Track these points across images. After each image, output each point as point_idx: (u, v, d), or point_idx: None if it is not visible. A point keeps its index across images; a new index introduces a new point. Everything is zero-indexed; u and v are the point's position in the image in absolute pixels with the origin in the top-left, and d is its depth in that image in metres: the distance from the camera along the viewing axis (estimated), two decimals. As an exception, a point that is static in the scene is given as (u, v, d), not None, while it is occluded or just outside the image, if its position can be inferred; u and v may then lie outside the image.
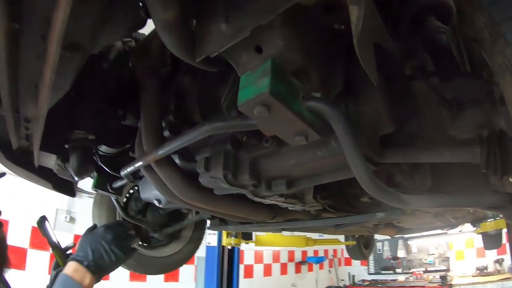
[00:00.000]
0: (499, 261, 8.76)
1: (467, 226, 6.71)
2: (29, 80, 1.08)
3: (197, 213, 2.72)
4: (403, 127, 1.11)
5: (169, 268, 3.16)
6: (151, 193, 1.84)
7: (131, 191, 2.90)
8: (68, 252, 2.19)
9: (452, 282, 8.73)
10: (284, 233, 7.08)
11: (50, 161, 1.81)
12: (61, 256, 2.12)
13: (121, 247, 1.84)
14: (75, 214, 5.85)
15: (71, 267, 1.72)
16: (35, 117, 1.25)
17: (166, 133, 1.39)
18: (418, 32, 1.20)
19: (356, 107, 1.08)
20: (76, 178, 1.78)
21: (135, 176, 1.95)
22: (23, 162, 1.76)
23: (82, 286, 1.65)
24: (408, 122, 1.20)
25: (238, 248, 5.79)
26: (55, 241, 2.16)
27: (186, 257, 3.28)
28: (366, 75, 0.90)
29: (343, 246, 11.29)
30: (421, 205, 1.11)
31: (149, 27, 1.27)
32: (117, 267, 1.89)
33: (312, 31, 0.94)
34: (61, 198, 5.65)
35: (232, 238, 5.04)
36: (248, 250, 8.19)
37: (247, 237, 5.38)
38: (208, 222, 2.99)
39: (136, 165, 1.44)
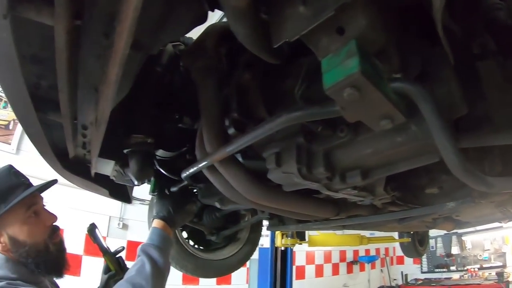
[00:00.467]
0: None
1: None
2: (89, 83, 1.06)
3: (255, 215, 2.70)
4: (470, 110, 1.03)
5: (226, 270, 3.12)
6: (211, 196, 1.81)
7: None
8: (118, 256, 2.28)
9: (509, 279, 8.27)
10: (337, 232, 7.04)
11: (107, 167, 1.80)
12: (111, 260, 2.23)
13: (186, 209, 2.09)
14: (128, 220, 6.00)
15: (158, 222, 1.97)
16: (93, 123, 1.23)
17: (231, 131, 1.34)
18: (474, 11, 1.12)
19: (432, 89, 1.01)
20: (136, 183, 1.76)
21: (193, 179, 1.94)
22: (80, 171, 1.78)
23: (168, 234, 1.94)
24: (475, 104, 1.12)
25: (291, 249, 5.72)
26: (105, 247, 2.24)
27: (243, 259, 3.23)
28: (440, 56, 0.87)
29: (395, 244, 11.15)
30: (507, 187, 1.03)
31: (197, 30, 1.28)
32: (185, 222, 2.23)
33: (392, 10, 0.88)
34: (114, 206, 5.83)
35: (289, 238, 4.96)
36: (299, 251, 8.09)
37: (301, 237, 5.31)
38: (265, 222, 2.98)
39: (200, 165, 1.40)
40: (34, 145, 1.50)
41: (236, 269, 3.23)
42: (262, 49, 1.03)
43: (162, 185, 2.09)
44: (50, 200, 1.99)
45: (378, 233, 6.68)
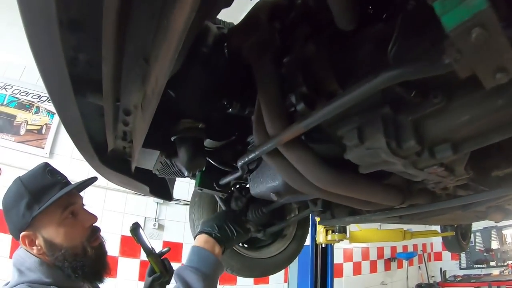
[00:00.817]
0: None
1: None
2: (138, 52, 0.89)
3: (303, 209, 2.55)
4: None
5: (273, 269, 2.95)
6: (265, 186, 1.64)
7: (229, 191, 2.74)
8: (163, 257, 2.16)
9: (552, 274, 8.00)
10: (378, 227, 6.87)
11: (150, 159, 1.65)
12: (156, 262, 2.11)
13: (241, 226, 1.98)
14: (163, 221, 5.97)
15: (201, 239, 1.81)
16: (137, 106, 1.08)
17: (300, 106, 1.17)
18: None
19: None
20: (186, 174, 1.60)
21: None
22: (118, 167, 1.61)
23: (213, 254, 1.74)
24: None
25: (332, 246, 5.54)
26: (150, 247, 2.13)
27: (291, 256, 3.05)
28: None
29: (433, 240, 11.04)
30: None
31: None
32: (239, 241, 2.10)
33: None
34: (149, 207, 5.84)
35: (336, 234, 4.71)
36: (337, 248, 7.92)
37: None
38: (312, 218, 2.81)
39: (265, 147, 1.23)
40: (70, 135, 1.31)
41: (283, 268, 3.06)
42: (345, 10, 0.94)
43: (209, 178, 1.93)
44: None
45: (420, 228, 6.51)
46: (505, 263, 9.81)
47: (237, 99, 1.62)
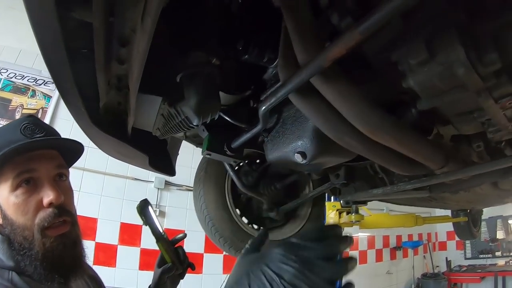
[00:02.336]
0: None
1: None
2: None
3: (317, 186, 2.30)
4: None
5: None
6: (288, 147, 1.38)
7: (237, 167, 2.48)
8: (177, 245, 1.77)
9: (559, 264, 7.92)
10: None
11: (148, 116, 1.37)
12: (167, 249, 1.72)
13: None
14: (164, 207, 5.79)
15: None
16: (136, 28, 0.83)
17: (346, 21, 0.91)
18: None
19: None
20: (195, 121, 1.25)
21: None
22: (112, 129, 1.34)
23: None
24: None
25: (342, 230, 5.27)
26: (161, 231, 1.74)
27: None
28: None
29: (438, 229, 10.92)
30: None
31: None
32: None
33: None
34: (150, 192, 5.65)
35: (353, 214, 4.27)
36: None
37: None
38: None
39: (297, 80, 0.95)
40: (54, 78, 1.05)
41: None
42: None
43: (219, 141, 1.64)
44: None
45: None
46: (511, 253, 9.78)
47: (255, 44, 1.36)
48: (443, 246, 11.34)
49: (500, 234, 10.13)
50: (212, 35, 1.28)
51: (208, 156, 1.66)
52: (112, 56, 0.96)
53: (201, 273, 5.50)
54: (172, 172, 1.93)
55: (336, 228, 0.90)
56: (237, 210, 2.50)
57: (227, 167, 2.06)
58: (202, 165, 2.47)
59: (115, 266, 5.11)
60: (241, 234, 2.39)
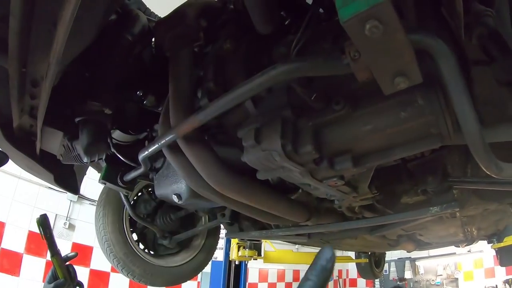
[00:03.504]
0: (509, 281, 8.46)
1: (476, 246, 6.75)
2: (47, 15, 0.83)
3: (212, 219, 2.47)
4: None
5: (177, 279, 2.82)
6: (169, 188, 1.58)
7: (139, 193, 2.66)
8: (68, 263, 1.86)
9: (462, 304, 8.47)
10: (294, 249, 6.91)
11: (54, 143, 1.53)
12: (60, 265, 1.79)
13: None
14: (75, 221, 5.64)
15: None
16: (45, 77, 1.00)
17: (203, 101, 1.13)
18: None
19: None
20: (85, 159, 1.48)
21: (150, 168, 1.70)
22: (23, 146, 1.46)
23: None
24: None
25: (246, 264, 5.48)
26: (57, 247, 1.83)
27: (197, 268, 2.95)
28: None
29: (349, 267, 11.28)
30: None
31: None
32: None
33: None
34: (62, 203, 5.52)
35: (246, 250, 4.63)
36: (252, 268, 7.92)
37: (257, 252, 5.08)
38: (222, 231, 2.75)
39: (163, 141, 1.16)
40: None
41: (188, 279, 2.95)
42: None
43: (114, 173, 1.81)
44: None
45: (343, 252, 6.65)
46: (418, 292, 10.28)
47: (153, 93, 1.56)
48: (353, 283, 11.68)
49: (408, 274, 10.68)
50: (109, 88, 1.45)
51: (103, 184, 1.83)
52: (25, 92, 1.11)
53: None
54: (76, 191, 2.04)
55: None
56: (134, 235, 2.63)
57: (122, 195, 2.20)
58: (105, 188, 2.60)
59: (18, 276, 4.82)
60: (134, 258, 2.52)
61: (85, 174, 2.19)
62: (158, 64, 1.49)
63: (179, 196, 1.53)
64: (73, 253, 1.86)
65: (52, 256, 1.73)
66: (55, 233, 5.58)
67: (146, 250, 2.71)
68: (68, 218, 5.55)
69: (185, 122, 1.04)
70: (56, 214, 5.42)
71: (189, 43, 1.29)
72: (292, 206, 1.49)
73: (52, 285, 1.70)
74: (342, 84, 0.92)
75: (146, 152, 1.31)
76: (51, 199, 5.34)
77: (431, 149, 1.30)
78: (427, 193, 1.55)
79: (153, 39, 1.57)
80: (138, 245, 2.67)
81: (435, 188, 1.48)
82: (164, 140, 1.15)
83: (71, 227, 5.57)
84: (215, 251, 3.13)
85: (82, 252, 5.41)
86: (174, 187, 1.54)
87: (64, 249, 1.69)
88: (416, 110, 0.91)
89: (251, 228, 2.23)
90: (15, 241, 4.89)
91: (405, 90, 0.85)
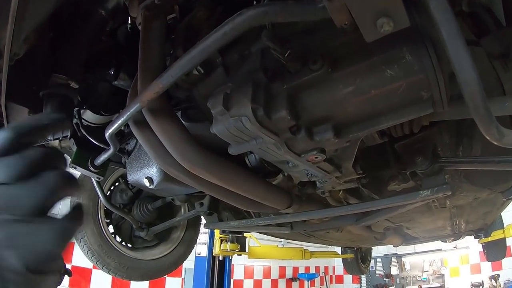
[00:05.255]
0: (495, 277, 8.65)
1: (462, 242, 6.80)
2: None
3: (191, 209, 2.39)
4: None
5: (155, 273, 2.73)
6: (140, 171, 1.48)
7: (117, 183, 2.55)
8: None
9: (448, 299, 8.55)
10: (279, 245, 6.86)
11: (21, 120, 1.43)
12: None
13: None
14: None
15: None
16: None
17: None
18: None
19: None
20: (49, 136, 1.38)
21: (122, 150, 1.63)
22: None
23: None
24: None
25: (230, 259, 5.39)
26: None
27: (176, 261, 2.86)
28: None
29: (335, 263, 11.35)
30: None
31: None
32: None
33: None
34: None
35: (228, 243, 4.49)
36: (238, 264, 7.87)
37: (241, 248, 4.98)
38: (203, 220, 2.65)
39: (129, 112, 1.04)
40: None
41: (167, 273, 2.85)
42: None
43: (85, 157, 1.69)
44: None
45: (321, 248, 6.59)
46: (404, 288, 10.43)
47: (126, 71, 1.47)
48: (340, 279, 11.85)
49: (394, 270, 10.87)
50: (77, 61, 1.35)
51: (74, 169, 1.70)
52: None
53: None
54: None
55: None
56: (111, 227, 2.52)
57: (94, 181, 2.08)
58: (80, 176, 2.48)
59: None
60: (109, 250, 2.42)
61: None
62: (134, 43, 1.36)
63: (150, 180, 1.42)
64: None
65: None
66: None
67: (123, 243, 2.61)
68: (46, 211, 5.39)
69: (148, 89, 0.94)
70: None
71: (161, 15, 1.18)
72: (271, 191, 1.39)
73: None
74: (321, 44, 0.83)
75: (112, 128, 1.20)
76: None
77: (420, 126, 1.20)
78: (417, 177, 1.47)
79: (129, 18, 1.47)
80: (115, 237, 2.56)
81: (425, 170, 1.39)
82: (129, 112, 1.04)
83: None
84: (195, 244, 3.02)
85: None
86: (145, 170, 1.44)
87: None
88: (404, 68, 0.80)
89: (231, 218, 2.14)
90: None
91: (391, 45, 0.77)
